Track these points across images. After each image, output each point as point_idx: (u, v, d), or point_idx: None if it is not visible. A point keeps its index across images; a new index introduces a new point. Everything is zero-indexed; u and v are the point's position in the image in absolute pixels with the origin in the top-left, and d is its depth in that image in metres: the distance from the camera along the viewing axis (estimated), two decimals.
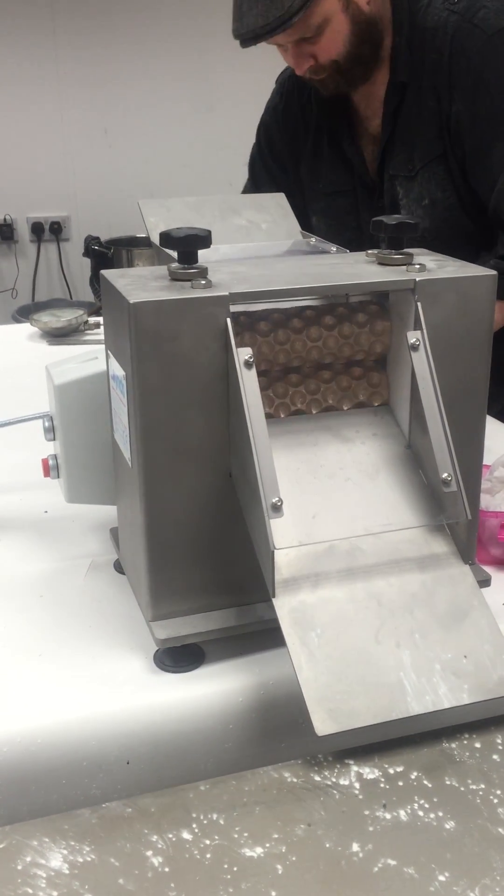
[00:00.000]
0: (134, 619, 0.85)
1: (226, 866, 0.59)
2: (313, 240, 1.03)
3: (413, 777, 0.67)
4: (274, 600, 0.72)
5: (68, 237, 4.00)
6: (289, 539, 0.74)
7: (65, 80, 3.79)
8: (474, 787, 0.66)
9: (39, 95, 3.78)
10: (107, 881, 0.58)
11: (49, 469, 0.98)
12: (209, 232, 0.77)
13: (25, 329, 1.95)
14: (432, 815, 0.63)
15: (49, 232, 3.97)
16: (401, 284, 0.78)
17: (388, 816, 0.63)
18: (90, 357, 0.94)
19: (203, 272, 0.76)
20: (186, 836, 0.62)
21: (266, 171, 1.71)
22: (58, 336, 1.88)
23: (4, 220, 3.90)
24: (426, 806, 0.64)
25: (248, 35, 1.37)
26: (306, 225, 1.56)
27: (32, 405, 1.05)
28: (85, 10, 3.71)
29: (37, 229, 3.96)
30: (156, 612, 0.80)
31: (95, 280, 3.17)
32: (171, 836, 0.62)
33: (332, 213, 1.63)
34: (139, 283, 0.75)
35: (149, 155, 3.85)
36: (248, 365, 0.73)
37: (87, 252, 3.07)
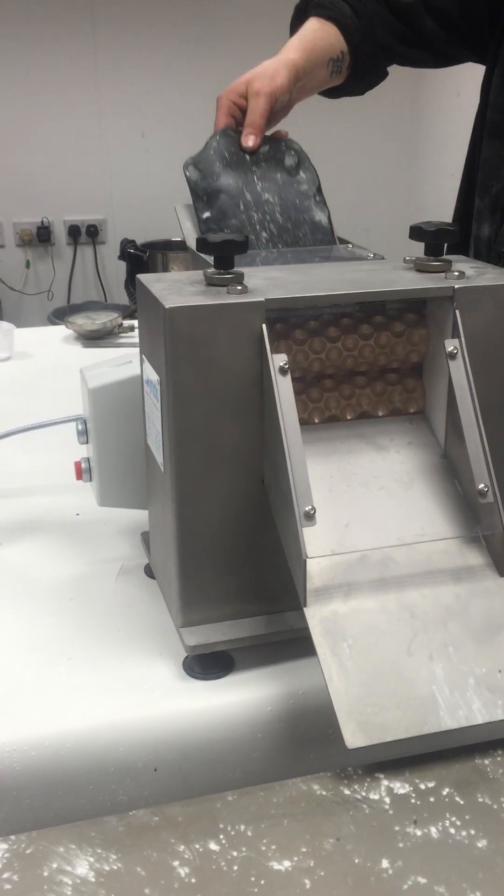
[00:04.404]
0: (163, 625, 0.85)
1: (253, 879, 0.58)
2: (350, 246, 1.02)
3: (445, 793, 0.65)
4: (305, 609, 0.71)
5: (104, 240, 4.03)
6: (321, 548, 0.73)
7: (103, 83, 3.82)
8: None
9: (78, 98, 3.82)
10: (133, 890, 0.58)
11: (81, 472, 0.98)
12: (246, 237, 0.76)
13: (60, 331, 1.96)
14: (464, 833, 0.62)
15: (85, 235, 4.00)
16: (439, 292, 0.77)
17: (418, 833, 0.62)
18: (125, 361, 0.94)
19: (239, 277, 0.75)
20: (213, 846, 0.61)
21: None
22: (92, 338, 1.89)
23: (42, 222, 3.94)
24: (458, 823, 0.63)
25: None
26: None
27: (66, 407, 1.05)
28: (124, 13, 3.73)
29: (73, 232, 3.99)
30: (186, 618, 0.79)
31: (131, 283, 3.19)
32: (198, 846, 0.61)
33: None
34: (175, 288, 0.75)
35: (185, 159, 3.87)
36: (282, 371, 0.72)
37: (123, 255, 3.09)
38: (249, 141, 1.10)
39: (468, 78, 2.21)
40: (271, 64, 1.18)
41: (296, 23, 1.33)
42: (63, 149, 3.85)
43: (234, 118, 1.15)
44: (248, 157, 1.08)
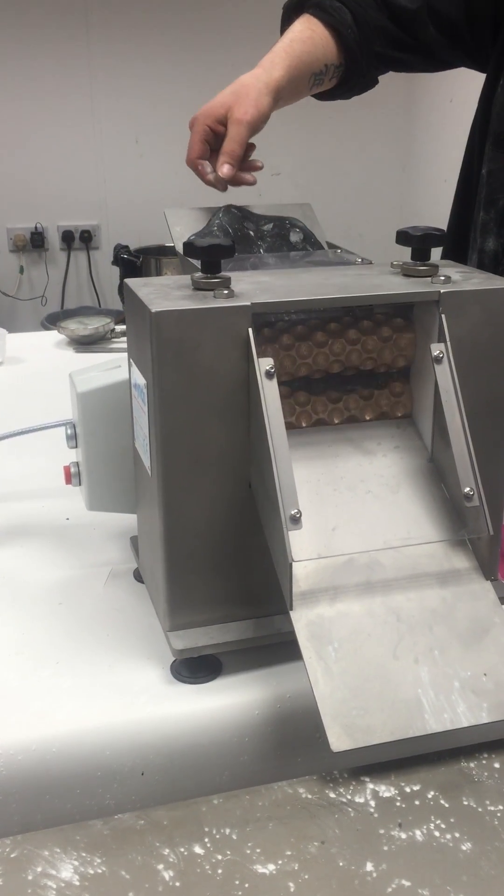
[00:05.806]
0: (152, 629, 0.85)
1: (237, 882, 0.58)
2: (339, 251, 1.02)
3: (430, 796, 0.66)
4: (291, 613, 0.71)
5: (98, 245, 4.03)
6: (307, 551, 0.73)
7: (98, 88, 3.83)
8: (492, 808, 0.65)
9: (72, 104, 3.82)
10: (117, 894, 0.58)
11: (70, 476, 0.98)
12: (233, 242, 0.76)
13: (53, 336, 1.96)
14: (449, 836, 0.62)
15: (79, 240, 4.00)
16: (425, 296, 0.77)
17: (403, 836, 0.62)
18: (113, 365, 0.94)
19: (226, 282, 0.76)
20: (198, 850, 0.61)
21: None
22: (84, 343, 1.89)
23: (35, 228, 3.94)
24: (442, 826, 0.63)
25: None
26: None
27: (58, 412, 1.05)
28: (119, 19, 3.74)
29: (67, 237, 3.99)
30: (173, 622, 0.79)
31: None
32: (182, 849, 0.61)
33: None
34: (162, 292, 0.75)
35: (179, 164, 3.86)
36: (269, 375, 0.72)
37: (117, 261, 3.09)
38: (225, 169, 1.05)
39: (462, 84, 2.21)
40: (254, 85, 1.13)
41: (286, 21, 1.31)
42: (57, 154, 3.86)
43: (209, 144, 1.12)
44: (251, 233, 1.05)
